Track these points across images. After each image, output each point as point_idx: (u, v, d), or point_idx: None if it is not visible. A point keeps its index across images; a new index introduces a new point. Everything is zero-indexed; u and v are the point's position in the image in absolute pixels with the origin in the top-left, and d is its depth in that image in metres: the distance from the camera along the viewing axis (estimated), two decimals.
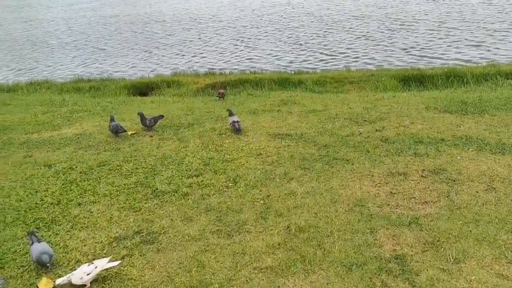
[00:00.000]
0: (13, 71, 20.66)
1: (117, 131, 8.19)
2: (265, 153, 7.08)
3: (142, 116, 8.58)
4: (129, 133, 8.50)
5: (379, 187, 5.76)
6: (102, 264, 4.30)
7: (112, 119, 8.22)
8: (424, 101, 9.23)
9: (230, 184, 6.07)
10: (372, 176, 6.04)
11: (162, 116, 8.82)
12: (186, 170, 6.61)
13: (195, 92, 13.97)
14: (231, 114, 8.51)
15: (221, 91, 11.99)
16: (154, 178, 6.42)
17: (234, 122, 8.26)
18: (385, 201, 5.41)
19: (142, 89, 15.76)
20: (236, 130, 8.13)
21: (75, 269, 4.32)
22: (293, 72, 16.12)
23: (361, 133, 7.64)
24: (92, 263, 4.29)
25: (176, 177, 6.41)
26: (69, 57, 21.98)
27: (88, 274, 4.19)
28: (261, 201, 5.58)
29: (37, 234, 4.87)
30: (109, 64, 19.96)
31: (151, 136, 8.25)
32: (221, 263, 4.50)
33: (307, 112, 9.29)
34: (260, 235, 4.90)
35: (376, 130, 7.66)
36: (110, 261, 4.39)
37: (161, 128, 8.62)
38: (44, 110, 11.16)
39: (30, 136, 8.77)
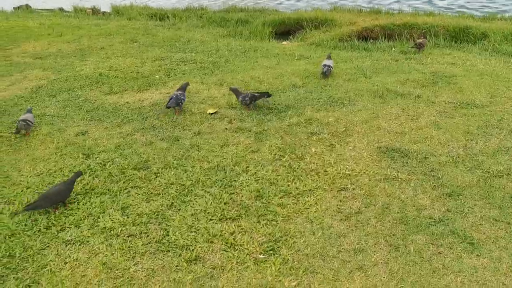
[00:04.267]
0: None
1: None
2: (353, 188, 4.68)
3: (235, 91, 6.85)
4: (208, 111, 6.70)
5: None
6: None
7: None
8: None
9: (262, 255, 3.93)
10: None
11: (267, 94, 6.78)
12: (226, 203, 4.61)
13: (343, 38, 11.30)
14: (328, 57, 7.91)
15: (420, 40, 9.50)
16: (179, 210, 4.58)
17: (324, 65, 7.63)
18: None
19: (291, 26, 13.55)
20: (323, 73, 7.57)
21: None
22: (481, 16, 12.27)
23: None
24: None
25: (206, 214, 4.47)
26: None
27: None
28: None
29: None
30: None
31: (230, 122, 6.34)
32: None
33: (457, 105, 6.36)
34: None
35: None
36: None
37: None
38: (158, 54, 9.88)
39: (109, 97, 7.49)
